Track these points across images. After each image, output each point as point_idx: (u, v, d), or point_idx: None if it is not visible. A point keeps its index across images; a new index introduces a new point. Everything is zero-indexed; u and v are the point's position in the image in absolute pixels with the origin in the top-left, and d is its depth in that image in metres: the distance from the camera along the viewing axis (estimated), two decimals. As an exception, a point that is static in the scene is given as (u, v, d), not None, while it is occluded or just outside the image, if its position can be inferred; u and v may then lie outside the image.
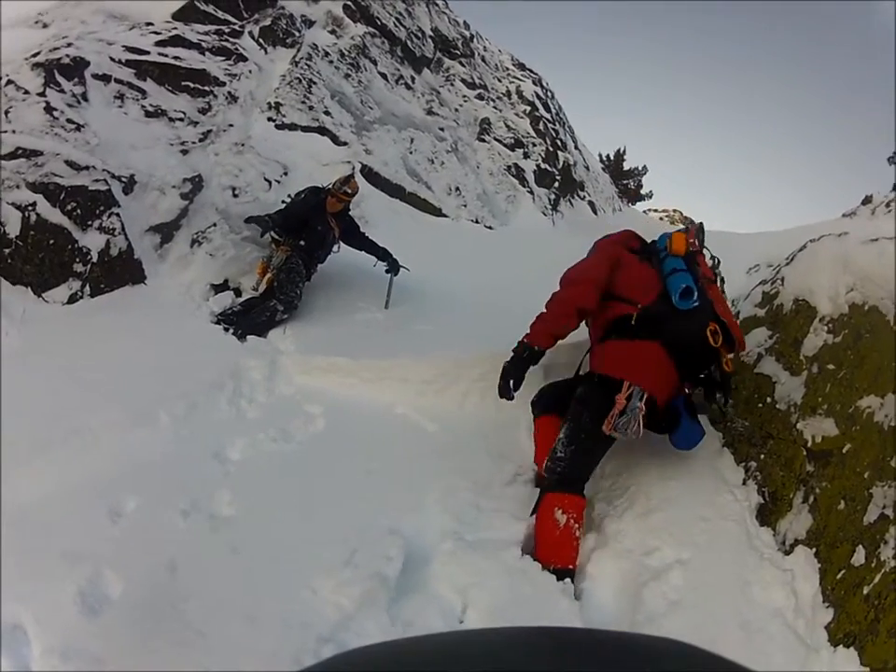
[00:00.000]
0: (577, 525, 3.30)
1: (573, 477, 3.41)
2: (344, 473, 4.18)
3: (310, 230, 7.14)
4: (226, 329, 6.45)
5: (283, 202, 7.59)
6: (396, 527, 3.54)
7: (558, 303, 3.61)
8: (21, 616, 2.89)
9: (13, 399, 4.82)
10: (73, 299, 6.42)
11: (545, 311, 3.62)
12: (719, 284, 4.06)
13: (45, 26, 10.02)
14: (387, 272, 7.44)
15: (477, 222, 12.71)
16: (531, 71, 20.04)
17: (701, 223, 4.24)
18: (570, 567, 3.22)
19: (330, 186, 7.40)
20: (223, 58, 10.58)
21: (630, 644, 0.63)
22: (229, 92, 9.98)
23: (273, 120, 10.50)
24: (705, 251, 4.01)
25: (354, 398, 5.20)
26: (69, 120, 7.42)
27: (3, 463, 3.91)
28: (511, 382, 3.50)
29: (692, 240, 3.83)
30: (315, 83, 11.73)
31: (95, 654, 2.72)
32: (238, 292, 7.35)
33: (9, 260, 6.28)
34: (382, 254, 7.55)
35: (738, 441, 3.90)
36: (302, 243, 7.08)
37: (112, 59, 8.92)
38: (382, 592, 3.06)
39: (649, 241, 4.15)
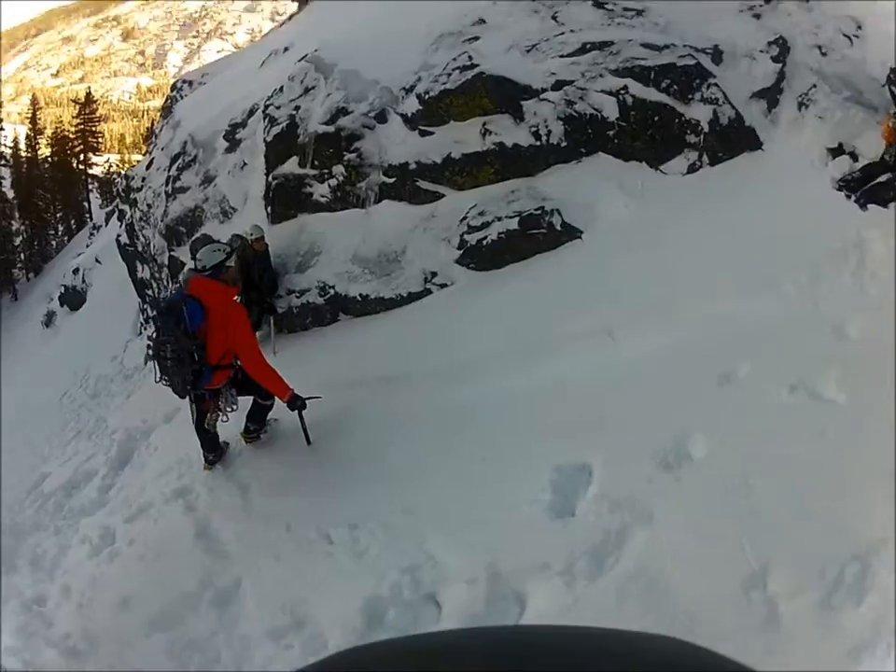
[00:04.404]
0: None
1: None
2: None
3: None
4: (847, 196, 6.29)
5: None
6: None
7: None
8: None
9: (637, 266, 6.05)
10: (692, 168, 7.21)
11: None
12: None
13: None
14: None
15: None
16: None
17: None
18: None
19: None
20: None
21: (629, 642, 0.63)
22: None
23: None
24: None
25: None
26: (625, 9, 8.06)
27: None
28: None
29: None
30: None
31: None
32: (854, 157, 7.01)
33: (615, 141, 7.35)
34: None
35: None
36: None
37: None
38: None
39: None
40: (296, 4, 19.04)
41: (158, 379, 5.78)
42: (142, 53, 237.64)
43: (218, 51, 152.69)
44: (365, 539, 4.95)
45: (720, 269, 5.56)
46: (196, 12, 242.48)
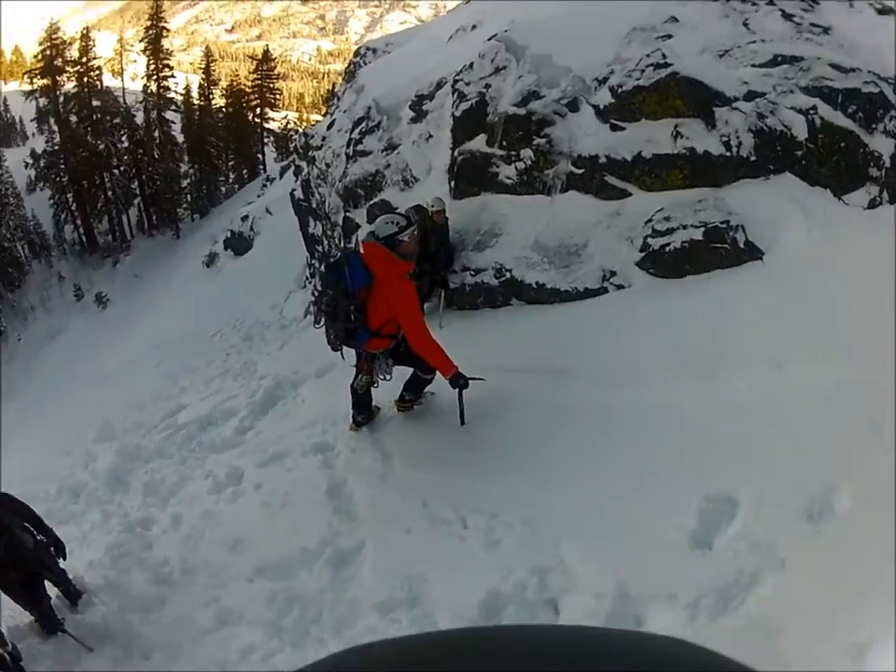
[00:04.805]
0: None
1: None
2: None
3: None
4: None
5: None
6: None
7: None
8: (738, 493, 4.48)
9: (813, 299, 5.87)
10: (872, 204, 6.69)
11: None
12: None
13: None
14: None
15: None
16: None
17: None
18: None
19: None
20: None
21: (631, 641, 0.64)
22: None
23: None
24: None
25: None
26: (812, 24, 7.53)
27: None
28: None
29: None
30: None
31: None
32: None
33: (803, 162, 6.94)
34: None
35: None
36: None
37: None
38: None
39: None
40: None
41: (317, 325, 6.09)
42: (322, 17, 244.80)
43: (401, 23, 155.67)
44: (501, 530, 4.92)
45: (890, 316, 5.16)
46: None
